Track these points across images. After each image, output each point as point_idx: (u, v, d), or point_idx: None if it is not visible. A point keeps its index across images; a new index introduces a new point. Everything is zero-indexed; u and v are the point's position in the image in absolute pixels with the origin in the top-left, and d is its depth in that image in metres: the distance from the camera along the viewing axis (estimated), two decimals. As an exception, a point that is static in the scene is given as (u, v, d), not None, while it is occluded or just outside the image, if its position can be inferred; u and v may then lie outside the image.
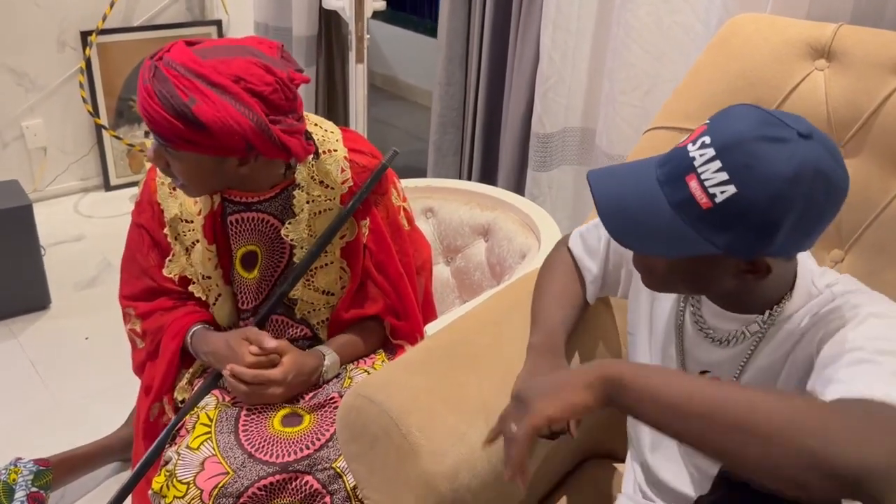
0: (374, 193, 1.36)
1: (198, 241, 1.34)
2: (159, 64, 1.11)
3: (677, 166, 0.85)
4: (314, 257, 1.34)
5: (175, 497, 1.18)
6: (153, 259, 1.39)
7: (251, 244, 1.34)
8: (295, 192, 1.31)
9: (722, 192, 0.81)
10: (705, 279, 0.91)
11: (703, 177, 0.82)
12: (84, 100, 3.07)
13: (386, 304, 1.41)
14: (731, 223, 0.81)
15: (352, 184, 1.34)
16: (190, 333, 1.35)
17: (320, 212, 1.33)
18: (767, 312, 0.93)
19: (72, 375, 2.19)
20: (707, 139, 0.83)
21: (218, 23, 3.32)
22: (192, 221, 1.34)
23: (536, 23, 1.84)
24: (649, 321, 1.11)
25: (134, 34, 3.18)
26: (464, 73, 2.13)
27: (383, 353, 1.45)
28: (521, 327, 1.14)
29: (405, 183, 1.84)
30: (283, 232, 1.32)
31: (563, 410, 0.83)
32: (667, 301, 1.08)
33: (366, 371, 1.37)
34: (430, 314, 1.51)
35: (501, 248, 1.71)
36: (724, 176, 0.80)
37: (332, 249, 1.36)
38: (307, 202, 1.32)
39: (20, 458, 1.70)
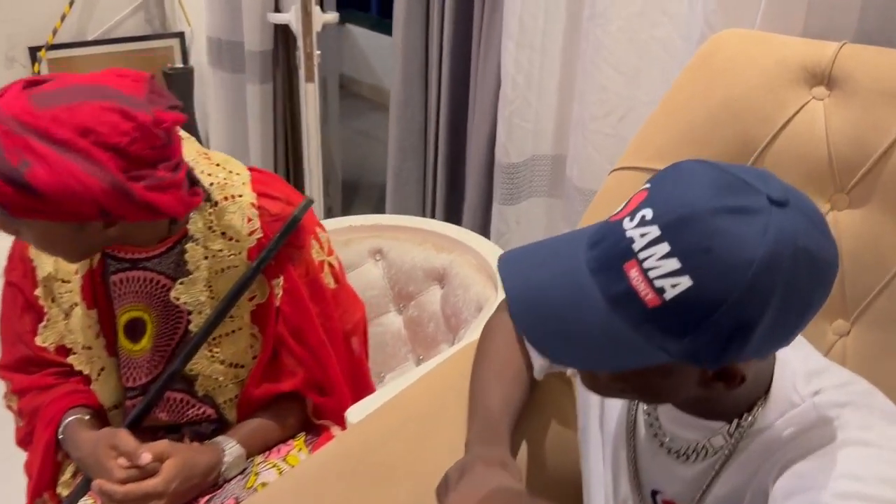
0: (290, 247, 1.15)
1: (76, 304, 1.13)
2: None
3: (612, 248, 0.63)
4: (213, 326, 1.12)
5: None
6: (27, 324, 1.18)
7: (137, 310, 1.13)
8: (188, 247, 1.09)
9: (673, 286, 0.59)
10: (660, 390, 0.70)
11: (645, 265, 0.61)
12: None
13: (306, 378, 1.19)
14: (687, 325, 0.60)
15: (261, 235, 1.12)
16: (62, 425, 1.14)
17: (223, 269, 1.12)
18: (735, 422, 0.73)
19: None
20: (648, 212, 0.62)
21: (181, 35, 3.12)
22: (69, 281, 1.13)
23: (498, 38, 1.63)
24: (600, 414, 0.89)
25: (89, 48, 2.98)
26: (423, 92, 1.91)
27: (303, 437, 1.23)
28: (453, 420, 0.92)
29: (350, 220, 1.63)
30: (173, 294, 1.11)
31: None
32: None
33: (276, 466, 1.15)
34: (363, 386, 1.29)
35: (457, 298, 1.49)
36: (674, 264, 0.59)
37: (240, 314, 1.15)
38: (204, 258, 1.10)
39: None
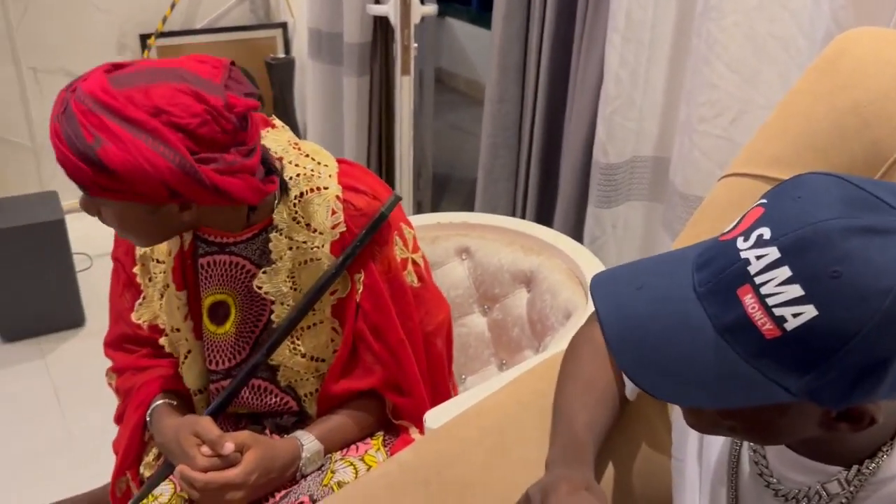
0: (373, 244, 1.12)
1: (168, 284, 1.14)
2: (71, 97, 0.90)
3: (723, 271, 0.56)
4: (297, 319, 1.11)
5: None
6: (127, 300, 1.20)
7: (221, 293, 1.12)
8: (272, 236, 1.08)
9: (795, 315, 0.52)
10: (775, 430, 0.62)
11: (763, 291, 0.54)
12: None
13: (384, 377, 1.15)
14: (811, 360, 0.53)
15: (344, 229, 1.09)
16: (151, 408, 1.15)
17: (306, 261, 1.10)
18: (856, 468, 0.64)
19: (93, 405, 2.04)
20: (766, 231, 0.55)
21: (283, 25, 3.17)
22: (163, 262, 1.14)
23: (603, 32, 1.55)
24: (699, 447, 0.82)
25: (196, 37, 3.07)
26: (520, 87, 1.85)
27: (381, 437, 1.19)
28: (532, 436, 0.87)
29: (438, 218, 1.59)
30: (255, 283, 1.09)
31: None
32: None
33: (352, 465, 1.12)
34: (443, 389, 1.24)
35: (544, 303, 1.43)
36: (796, 290, 0.52)
37: (322, 307, 1.13)
38: (288, 248, 1.09)
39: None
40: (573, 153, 1.71)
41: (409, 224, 1.20)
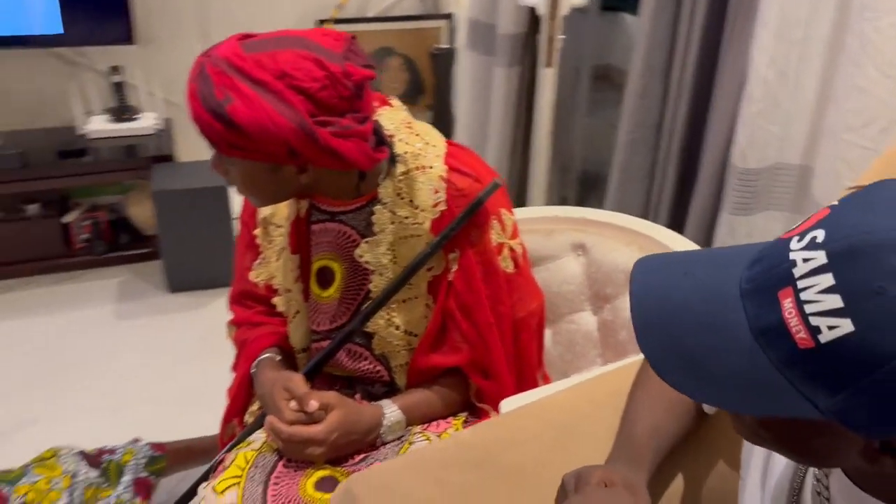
0: (470, 226, 1.13)
1: (284, 248, 1.22)
2: (206, 61, 0.99)
3: (770, 270, 0.53)
4: (392, 291, 1.15)
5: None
6: (248, 260, 1.30)
7: (328, 258, 1.19)
8: (376, 209, 1.12)
9: (830, 328, 0.48)
10: (812, 450, 0.57)
11: (803, 296, 0.50)
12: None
13: (470, 357, 1.17)
14: (842, 378, 0.49)
15: (445, 208, 1.12)
16: (257, 361, 1.23)
17: (406, 236, 1.14)
18: None
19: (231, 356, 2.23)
20: (820, 234, 0.51)
21: (449, 16, 3.25)
22: (281, 226, 1.22)
23: (751, 28, 1.45)
24: (764, 468, 0.76)
25: (368, 24, 3.21)
26: (664, 84, 1.77)
27: (463, 418, 1.21)
28: (595, 437, 0.85)
29: (556, 211, 1.57)
30: (356, 252, 1.15)
31: None
32: None
33: (429, 439, 1.15)
34: (528, 378, 1.24)
35: (655, 308, 1.38)
36: (836, 301, 0.48)
37: (418, 283, 1.16)
38: (391, 222, 1.13)
39: (138, 440, 1.72)
40: (712, 156, 1.63)
41: (510, 210, 1.20)
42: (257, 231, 1.26)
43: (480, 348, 1.17)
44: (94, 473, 1.58)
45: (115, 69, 2.71)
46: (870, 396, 0.48)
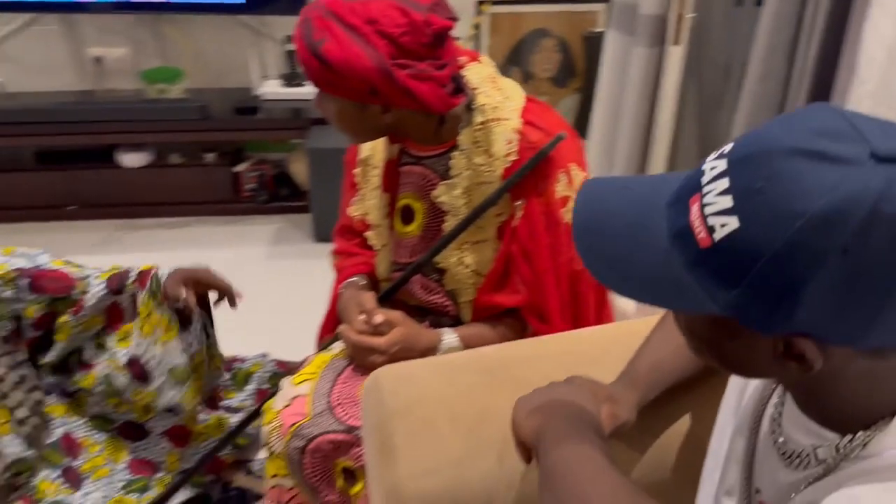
0: (536, 176, 1.22)
1: (377, 187, 1.37)
2: (311, 8, 1.14)
3: (688, 181, 0.59)
4: (459, 229, 1.26)
5: (267, 422, 1.25)
6: (349, 197, 1.47)
7: (411, 198, 1.32)
8: (454, 154, 1.24)
9: (722, 226, 0.55)
10: (731, 355, 0.63)
11: (705, 200, 0.56)
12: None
13: (528, 300, 1.26)
14: (734, 274, 0.55)
15: (515, 158, 1.21)
16: (345, 283, 1.39)
17: (480, 182, 1.24)
18: (848, 438, 0.62)
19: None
20: (729, 147, 0.56)
21: (607, 0, 3.27)
22: (377, 167, 1.37)
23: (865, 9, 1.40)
24: (739, 398, 0.81)
25: (524, 6, 3.31)
26: (787, 67, 1.73)
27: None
28: (607, 368, 0.91)
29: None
30: (434, 193, 1.27)
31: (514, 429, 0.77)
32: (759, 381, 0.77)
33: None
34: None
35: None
36: (727, 202, 0.54)
37: (487, 226, 1.27)
38: (467, 169, 1.24)
39: (266, 356, 1.96)
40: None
41: (582, 167, 1.27)
42: (357, 171, 1.42)
43: (537, 292, 1.25)
44: (226, 376, 1.84)
45: (289, 38, 3.01)
46: (756, 291, 0.53)
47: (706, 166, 0.57)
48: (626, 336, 1.01)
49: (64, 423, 1.53)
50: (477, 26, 3.28)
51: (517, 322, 1.30)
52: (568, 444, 0.69)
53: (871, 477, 0.57)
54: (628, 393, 0.87)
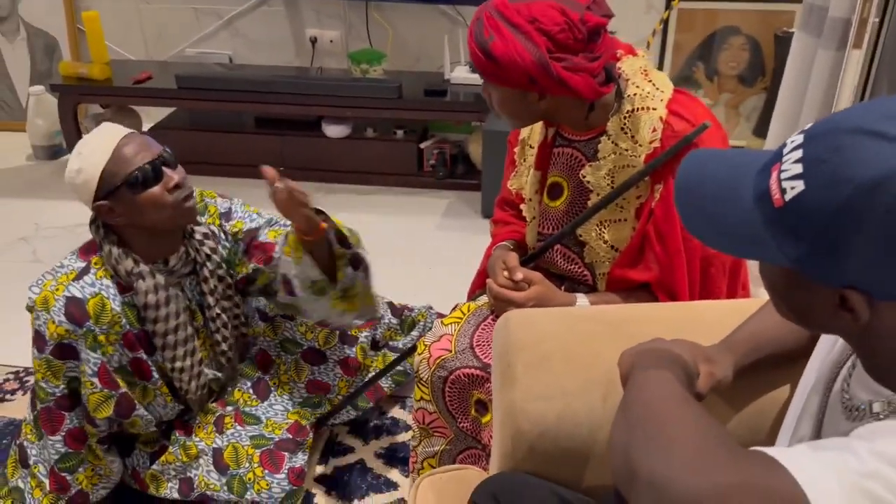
0: (677, 161, 1.32)
1: (531, 165, 1.54)
2: (484, 9, 1.31)
3: (776, 152, 0.71)
4: (600, 207, 1.40)
5: (419, 353, 1.47)
6: (509, 173, 1.65)
7: (560, 176, 1.48)
8: (602, 139, 1.38)
9: (792, 188, 0.66)
10: (796, 302, 0.74)
11: (783, 167, 0.68)
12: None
13: (658, 277, 1.38)
14: (798, 230, 0.66)
15: (658, 145, 1.33)
16: (497, 246, 1.58)
17: (624, 165, 1.37)
18: None
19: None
20: (811, 124, 0.68)
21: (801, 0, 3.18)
22: (533, 147, 1.54)
23: None
24: (823, 358, 0.89)
25: (713, 3, 3.30)
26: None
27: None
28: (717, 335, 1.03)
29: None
30: (581, 172, 1.42)
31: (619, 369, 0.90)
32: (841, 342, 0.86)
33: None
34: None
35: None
36: (798, 168, 0.66)
37: (628, 206, 1.39)
38: (613, 152, 1.37)
39: (431, 308, 2.21)
40: None
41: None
42: (516, 149, 1.60)
43: (668, 271, 1.36)
44: (395, 321, 2.10)
45: (481, 27, 3.23)
46: (815, 245, 0.65)
47: (789, 140, 0.69)
48: (744, 311, 1.11)
49: (262, 341, 1.85)
50: (665, 21, 3.32)
51: (648, 296, 1.42)
52: (652, 374, 0.81)
53: None
54: (726, 354, 0.98)
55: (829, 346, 0.89)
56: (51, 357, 1.49)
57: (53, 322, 1.47)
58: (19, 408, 2.02)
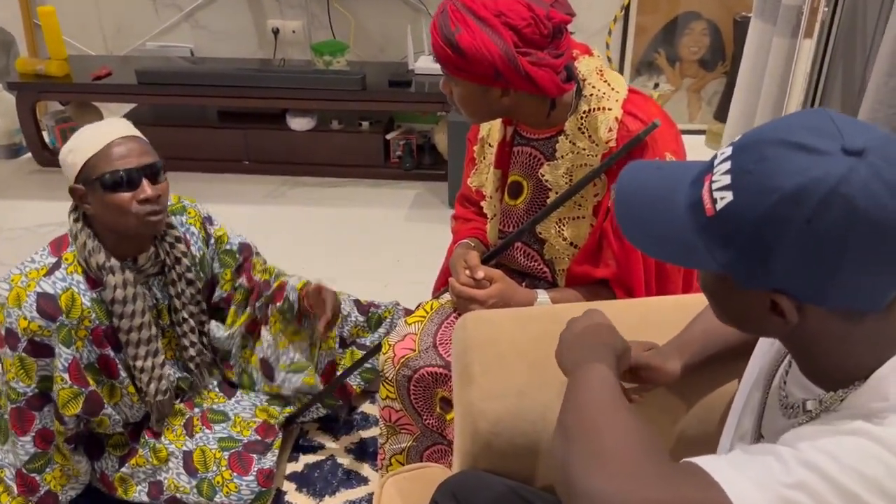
0: (631, 159, 1.35)
1: (491, 163, 1.56)
2: (448, 2, 1.32)
3: (707, 163, 0.74)
4: (558, 204, 1.42)
5: (384, 353, 1.49)
6: (469, 170, 1.67)
7: (519, 175, 1.50)
8: (560, 139, 1.40)
9: (722, 199, 0.70)
10: (735, 311, 0.77)
11: (714, 177, 0.71)
12: (607, 46, 3.41)
13: (616, 274, 1.41)
14: (727, 237, 0.70)
15: (613, 144, 1.36)
16: (459, 244, 1.60)
17: (581, 164, 1.40)
18: (830, 394, 0.74)
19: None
20: (740, 136, 0.71)
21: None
22: (493, 146, 1.56)
23: None
24: (763, 356, 0.93)
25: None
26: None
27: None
28: (672, 335, 1.06)
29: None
30: (540, 171, 1.44)
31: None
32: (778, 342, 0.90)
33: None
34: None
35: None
36: (727, 179, 0.70)
37: (586, 204, 1.42)
38: (570, 151, 1.40)
39: (398, 304, 2.22)
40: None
41: (678, 154, 1.39)
42: (476, 147, 1.61)
43: (625, 267, 1.40)
44: (361, 318, 2.12)
45: (443, 17, 3.23)
46: (742, 251, 0.68)
47: (720, 152, 0.72)
48: (692, 308, 1.15)
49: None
50: (626, 7, 3.35)
51: (606, 292, 1.45)
52: (587, 372, 0.82)
53: (829, 425, 0.70)
54: (674, 354, 1.02)
55: (768, 344, 0.93)
56: (24, 355, 1.49)
57: (25, 318, 1.47)
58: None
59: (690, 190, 0.74)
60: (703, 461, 0.67)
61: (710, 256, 0.71)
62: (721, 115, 3.36)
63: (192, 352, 1.73)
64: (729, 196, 0.68)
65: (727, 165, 0.69)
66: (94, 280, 1.55)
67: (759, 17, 2.61)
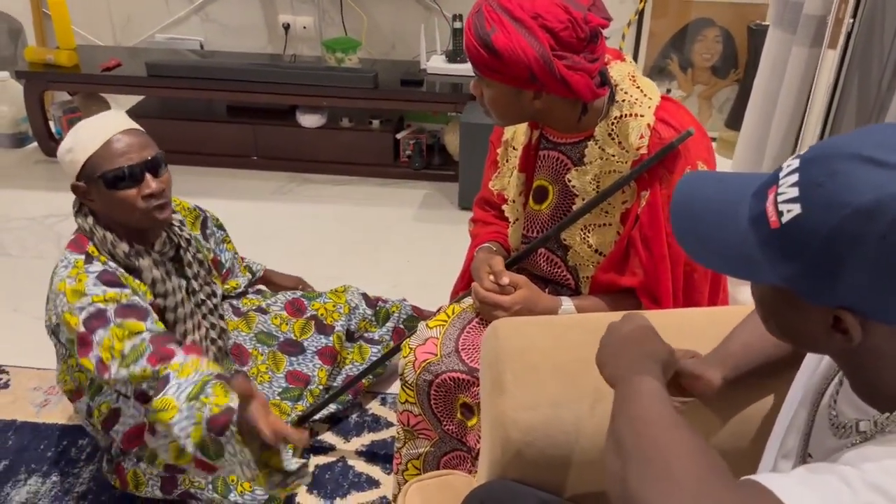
0: (662, 168, 1.34)
1: (515, 167, 1.54)
2: (484, 2, 1.29)
3: (771, 175, 0.72)
4: (585, 211, 1.40)
5: (404, 356, 1.47)
6: (490, 173, 1.65)
7: (545, 180, 1.48)
8: (589, 143, 1.38)
9: (788, 211, 0.68)
10: (791, 326, 0.75)
11: (779, 190, 0.70)
12: (620, 50, 3.39)
13: (643, 282, 1.39)
14: (793, 251, 0.68)
15: (644, 151, 1.34)
16: (479, 248, 1.58)
17: (610, 171, 1.38)
18: (886, 415, 0.73)
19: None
20: (807, 149, 0.69)
21: (778, -6, 3.22)
22: (517, 149, 1.54)
23: None
24: (812, 373, 0.91)
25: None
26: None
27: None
28: (707, 346, 1.04)
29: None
30: (567, 176, 1.42)
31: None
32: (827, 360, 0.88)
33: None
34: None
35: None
36: (795, 192, 0.68)
37: (613, 211, 1.40)
38: (600, 157, 1.38)
39: (405, 301, 2.20)
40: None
41: (709, 164, 1.37)
42: (499, 150, 1.59)
43: (652, 276, 1.38)
44: (370, 311, 2.10)
45: (457, 17, 3.21)
46: (809, 266, 0.66)
47: (785, 164, 0.70)
48: (727, 319, 1.13)
49: (236, 335, 1.85)
50: (640, 11, 3.33)
51: (632, 301, 1.43)
52: (637, 386, 0.79)
53: (890, 446, 0.69)
54: (715, 366, 1.00)
55: (816, 362, 0.91)
56: (119, 320, 1.42)
57: (98, 295, 1.44)
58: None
59: (753, 202, 0.72)
60: (767, 480, 0.65)
61: (772, 270, 0.69)
62: (733, 122, 3.35)
63: (213, 334, 1.74)
64: (796, 209, 0.66)
65: (794, 178, 0.67)
66: (127, 267, 1.55)
67: (778, 26, 2.58)
